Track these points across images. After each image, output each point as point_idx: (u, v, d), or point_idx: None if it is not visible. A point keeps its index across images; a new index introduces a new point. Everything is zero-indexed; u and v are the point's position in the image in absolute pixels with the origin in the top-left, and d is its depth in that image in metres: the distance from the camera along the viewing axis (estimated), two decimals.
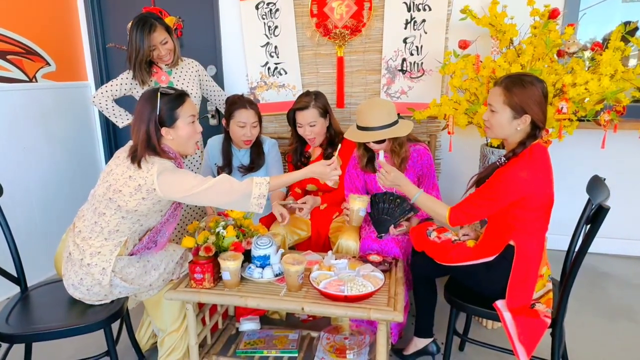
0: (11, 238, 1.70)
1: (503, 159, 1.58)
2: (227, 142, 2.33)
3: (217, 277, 1.78)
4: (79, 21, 3.11)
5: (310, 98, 2.21)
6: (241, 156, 2.36)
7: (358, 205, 2.00)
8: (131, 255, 1.68)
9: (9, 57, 2.62)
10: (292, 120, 2.28)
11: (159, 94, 1.60)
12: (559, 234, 2.27)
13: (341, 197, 2.28)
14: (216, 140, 2.38)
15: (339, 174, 1.75)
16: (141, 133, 1.58)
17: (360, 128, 1.96)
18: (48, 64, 2.89)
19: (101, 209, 1.59)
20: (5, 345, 1.51)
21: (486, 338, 2.07)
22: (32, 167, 2.75)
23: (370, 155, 2.09)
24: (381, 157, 1.89)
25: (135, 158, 1.56)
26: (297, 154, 2.37)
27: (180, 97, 1.65)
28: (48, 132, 2.85)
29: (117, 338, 1.92)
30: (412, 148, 2.04)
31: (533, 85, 1.50)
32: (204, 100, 2.55)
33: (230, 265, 1.71)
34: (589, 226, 1.45)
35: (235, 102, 2.22)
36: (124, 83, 2.31)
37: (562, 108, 1.89)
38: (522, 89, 1.49)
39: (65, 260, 1.63)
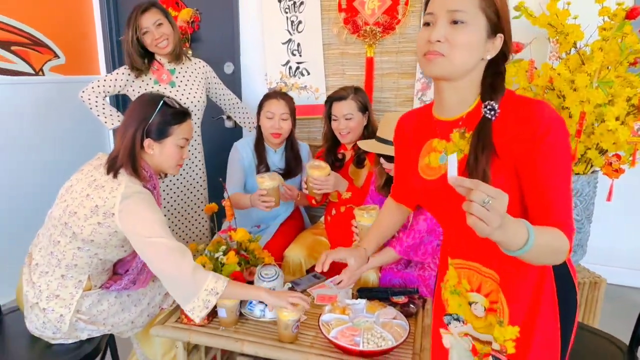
0: None
1: (490, 114, 0.84)
2: (260, 140, 2.11)
3: (213, 312, 1.54)
4: (92, 12, 2.93)
5: (350, 90, 2.01)
6: (277, 160, 2.12)
7: (366, 221, 1.71)
8: (107, 288, 1.45)
9: (13, 47, 2.45)
10: (327, 113, 2.05)
11: (162, 101, 1.40)
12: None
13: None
14: (245, 141, 2.16)
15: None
16: (127, 137, 1.36)
17: (379, 140, 1.69)
18: (57, 56, 2.71)
19: (56, 236, 1.35)
20: None
21: None
22: (34, 168, 2.58)
23: (388, 177, 1.78)
24: (453, 162, 0.76)
25: (114, 167, 1.33)
26: (330, 155, 2.11)
27: (183, 114, 1.46)
28: (53, 129, 2.67)
29: None
30: None
31: None
32: (210, 104, 2.28)
33: (226, 301, 1.46)
34: None
35: (267, 94, 2.08)
36: (119, 78, 2.06)
37: (638, 129, 1.54)
38: None
39: (24, 300, 1.41)
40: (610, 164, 1.68)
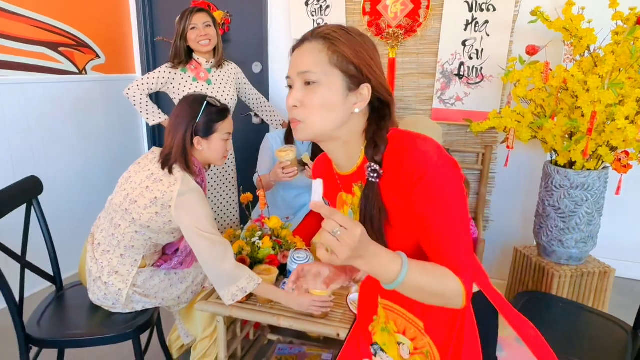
0: (49, 236, 1.69)
1: (372, 176, 0.86)
2: (290, 132, 2.26)
3: None
4: (129, 14, 3.11)
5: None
6: (304, 150, 2.28)
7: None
8: (158, 266, 1.63)
9: (60, 49, 2.64)
10: None
11: (205, 102, 1.56)
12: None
13: None
14: (276, 133, 2.32)
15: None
16: (178, 137, 1.52)
17: None
18: (98, 56, 2.90)
19: (117, 220, 1.53)
20: (35, 349, 1.49)
21: None
22: (73, 161, 2.78)
23: None
24: (317, 188, 0.76)
25: (168, 162, 1.49)
26: None
27: (224, 111, 1.62)
28: (93, 125, 2.87)
29: (147, 342, 1.89)
30: None
31: (360, 34, 0.89)
32: (238, 102, 2.45)
33: (264, 279, 1.62)
34: None
35: None
36: (161, 76, 2.24)
37: None
38: (349, 37, 0.86)
39: (87, 274, 1.59)
40: (620, 160, 1.79)
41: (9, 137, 2.39)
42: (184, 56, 2.24)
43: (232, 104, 2.36)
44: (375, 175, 0.85)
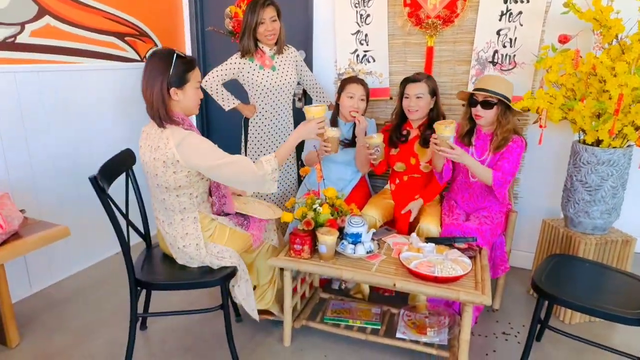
0: (141, 200, 1.96)
1: None
2: (336, 114, 2.57)
3: (314, 250, 1.96)
4: (181, 5, 3.36)
5: (424, 75, 2.39)
6: (346, 131, 2.54)
7: (446, 133, 2.01)
8: (216, 214, 1.86)
9: (126, 38, 2.91)
10: (400, 93, 2.43)
11: (175, 54, 1.64)
12: None
13: (436, 189, 2.38)
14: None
15: (322, 130, 1.92)
16: (155, 90, 1.61)
17: (475, 90, 2.17)
18: (156, 44, 3.17)
19: (159, 196, 1.74)
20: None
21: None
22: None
23: (471, 126, 2.28)
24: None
25: (161, 120, 1.63)
26: (395, 131, 2.48)
27: (192, 62, 1.70)
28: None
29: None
30: (514, 137, 2.17)
31: None
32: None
33: (327, 239, 1.88)
34: None
35: (349, 78, 2.54)
36: (233, 67, 2.51)
37: None
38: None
39: (169, 247, 1.83)
40: None
41: (103, 115, 2.68)
42: (253, 47, 2.48)
43: (293, 86, 2.63)
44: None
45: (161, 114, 1.63)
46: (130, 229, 1.83)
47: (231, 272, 1.77)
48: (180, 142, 1.63)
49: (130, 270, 1.67)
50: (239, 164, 1.70)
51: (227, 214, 1.91)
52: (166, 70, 1.62)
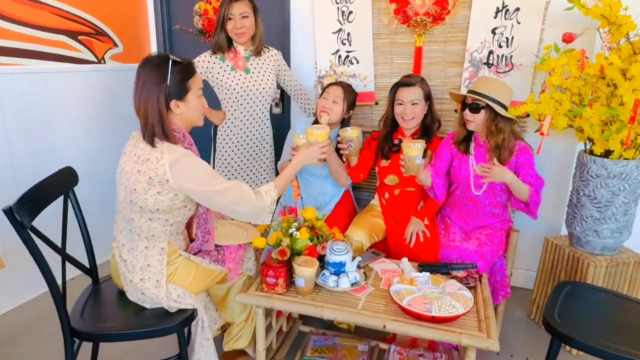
0: (85, 229, 1.66)
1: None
2: (317, 121, 2.28)
3: (291, 282, 1.68)
4: (145, 2, 3.05)
5: (417, 78, 2.14)
6: (333, 137, 2.26)
7: (414, 152, 1.87)
8: (195, 254, 1.61)
9: (80, 37, 2.59)
10: (391, 98, 2.17)
11: (170, 61, 1.41)
12: None
13: (434, 207, 2.14)
14: (303, 121, 2.35)
15: (325, 155, 1.77)
16: (151, 105, 1.39)
17: (474, 93, 1.92)
18: (116, 45, 2.85)
19: (128, 215, 1.48)
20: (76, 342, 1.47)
21: None
22: (103, 152, 2.75)
23: (467, 134, 2.02)
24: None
25: (152, 137, 1.40)
26: (386, 141, 2.22)
27: (191, 66, 1.49)
28: (117, 115, 2.82)
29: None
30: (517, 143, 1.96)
31: None
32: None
33: (306, 272, 1.61)
34: None
35: (331, 82, 2.31)
36: (201, 65, 2.22)
37: None
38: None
39: (122, 278, 1.55)
40: None
41: (30, 126, 2.35)
42: (223, 44, 2.21)
43: (270, 92, 2.35)
44: None
45: (156, 131, 1.40)
46: (69, 264, 1.53)
47: (190, 316, 1.49)
48: (176, 161, 1.40)
49: (63, 317, 1.36)
50: (239, 192, 1.51)
51: (199, 251, 1.64)
52: (162, 81, 1.39)
